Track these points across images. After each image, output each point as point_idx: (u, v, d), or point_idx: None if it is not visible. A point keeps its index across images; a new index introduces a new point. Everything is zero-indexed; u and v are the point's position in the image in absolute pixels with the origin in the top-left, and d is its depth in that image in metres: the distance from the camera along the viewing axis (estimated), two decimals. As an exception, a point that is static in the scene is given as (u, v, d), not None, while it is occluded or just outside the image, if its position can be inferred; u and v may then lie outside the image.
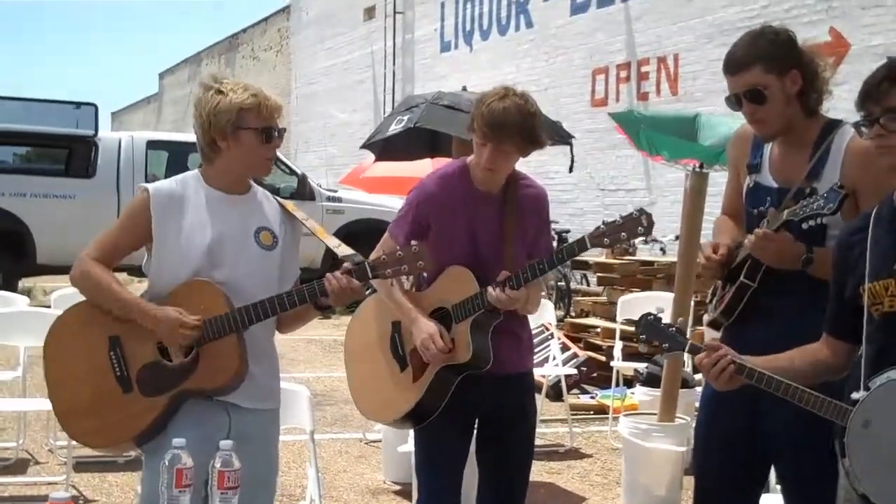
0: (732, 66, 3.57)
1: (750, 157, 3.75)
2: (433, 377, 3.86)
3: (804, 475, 3.53)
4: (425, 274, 3.56)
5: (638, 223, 3.68)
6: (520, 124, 3.78)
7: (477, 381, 3.87)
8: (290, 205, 3.68)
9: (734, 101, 3.60)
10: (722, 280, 3.73)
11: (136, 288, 3.58)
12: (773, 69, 3.51)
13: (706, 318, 3.91)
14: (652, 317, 3.35)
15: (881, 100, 2.78)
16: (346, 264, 3.41)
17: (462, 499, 4.12)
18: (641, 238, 3.80)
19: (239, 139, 3.41)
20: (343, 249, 3.57)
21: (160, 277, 3.44)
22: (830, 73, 3.63)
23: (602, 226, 3.74)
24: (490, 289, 3.76)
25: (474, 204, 3.95)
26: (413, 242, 3.50)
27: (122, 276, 3.48)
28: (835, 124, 3.60)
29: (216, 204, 3.48)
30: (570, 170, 10.11)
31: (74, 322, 3.52)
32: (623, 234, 3.70)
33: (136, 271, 3.56)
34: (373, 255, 3.61)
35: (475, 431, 4.10)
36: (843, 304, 2.99)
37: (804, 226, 3.39)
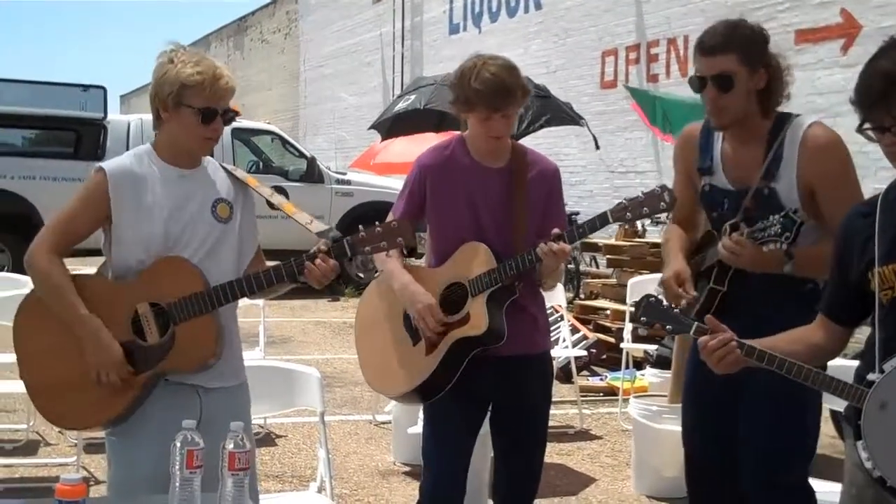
0: (708, 48, 3.58)
1: (700, 160, 3.76)
2: (447, 350, 3.84)
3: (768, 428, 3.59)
4: (405, 250, 3.52)
5: (660, 199, 3.68)
6: (515, 82, 3.82)
7: (490, 362, 3.86)
8: (252, 180, 3.58)
9: (698, 83, 3.61)
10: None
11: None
12: (747, 62, 3.54)
13: None
14: (653, 298, 3.25)
15: (891, 108, 2.70)
16: (321, 245, 3.35)
17: (475, 478, 4.12)
18: (665, 214, 3.78)
19: (179, 114, 3.33)
20: (316, 226, 3.49)
21: (119, 258, 3.36)
22: (791, 79, 3.65)
23: (624, 201, 3.73)
24: (543, 243, 3.73)
25: (476, 178, 3.93)
26: (393, 218, 3.45)
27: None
28: (785, 118, 3.60)
29: (171, 180, 3.40)
30: (597, 146, 10.11)
31: None
32: (645, 209, 3.70)
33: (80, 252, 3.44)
34: None
35: (489, 413, 4.07)
36: (846, 288, 2.96)
37: (765, 249, 3.38)
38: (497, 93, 3.77)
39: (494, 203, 3.92)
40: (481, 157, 3.95)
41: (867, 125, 2.76)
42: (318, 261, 3.32)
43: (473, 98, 3.80)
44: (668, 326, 3.21)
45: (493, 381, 3.92)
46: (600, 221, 3.75)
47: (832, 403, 3.68)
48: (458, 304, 3.87)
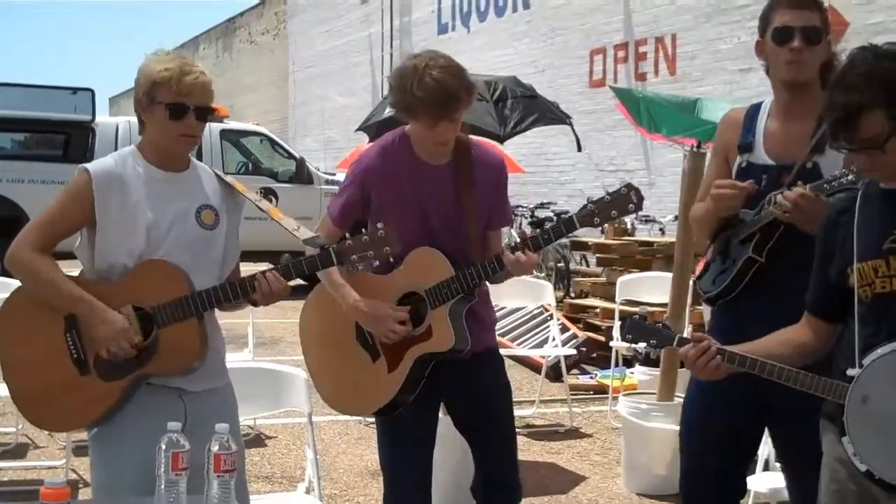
0: (798, 1, 3.59)
1: (742, 137, 3.71)
2: (412, 366, 3.74)
3: (804, 442, 3.55)
4: (392, 259, 3.48)
5: (628, 200, 3.58)
6: (460, 85, 3.62)
7: (441, 364, 3.78)
8: (239, 185, 3.54)
9: (784, 35, 3.56)
10: (716, 254, 3.72)
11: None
12: (825, 27, 3.58)
13: (701, 293, 3.88)
14: (637, 316, 3.31)
15: (853, 135, 2.74)
16: (284, 258, 3.33)
17: (458, 489, 4.09)
18: (632, 215, 3.71)
19: (153, 112, 3.32)
20: (303, 232, 3.44)
21: (101, 260, 3.32)
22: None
23: (591, 204, 3.64)
24: (508, 252, 3.62)
25: (421, 178, 3.78)
26: (379, 225, 3.30)
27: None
28: None
29: (155, 183, 3.36)
30: (579, 148, 10.14)
31: (28, 301, 3.37)
32: (614, 211, 3.60)
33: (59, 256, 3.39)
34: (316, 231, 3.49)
35: (453, 417, 4.02)
36: (828, 284, 2.98)
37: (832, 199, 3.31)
38: (442, 101, 3.57)
39: (443, 204, 3.78)
40: (426, 155, 3.79)
41: (836, 145, 2.83)
42: (269, 275, 3.30)
43: (416, 106, 3.60)
44: (652, 341, 3.22)
45: (447, 381, 3.84)
46: (566, 227, 3.64)
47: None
48: (417, 314, 3.74)
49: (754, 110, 3.77)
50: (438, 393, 3.91)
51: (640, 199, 3.60)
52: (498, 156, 3.97)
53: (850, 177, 3.24)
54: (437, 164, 3.80)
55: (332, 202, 3.92)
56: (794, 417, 3.50)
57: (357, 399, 3.94)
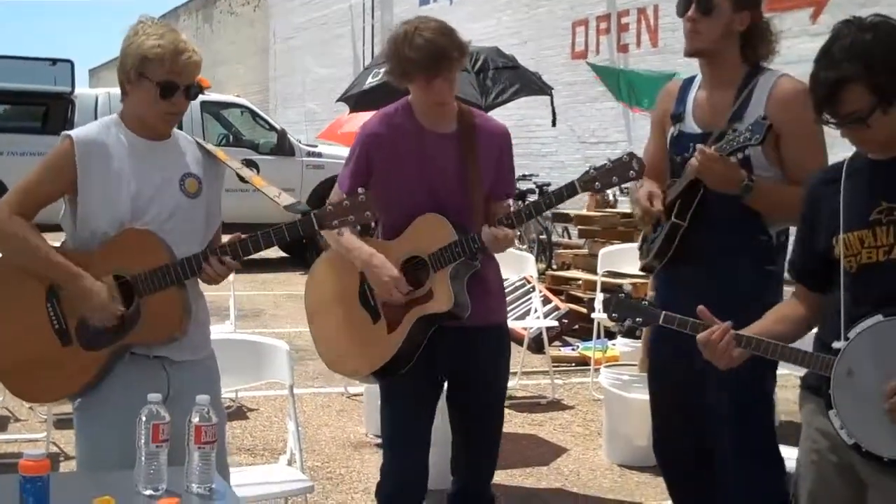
0: None
1: (674, 107, 3.81)
2: (412, 327, 3.78)
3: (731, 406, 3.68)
4: (374, 223, 3.50)
5: (629, 167, 3.63)
6: (450, 44, 3.70)
7: (447, 333, 3.81)
8: (220, 153, 3.54)
9: (682, 7, 3.69)
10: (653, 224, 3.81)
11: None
12: (734, 3, 3.62)
13: (640, 263, 3.96)
14: (622, 294, 3.29)
15: (835, 110, 2.74)
16: (232, 239, 3.32)
17: (440, 455, 4.11)
18: (633, 183, 3.75)
19: (140, 87, 3.29)
20: (284, 199, 3.43)
21: (84, 228, 3.29)
22: (777, 45, 3.74)
23: (593, 170, 3.68)
24: (486, 227, 3.68)
25: (426, 146, 3.84)
26: (360, 190, 3.34)
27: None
28: (761, 69, 3.69)
29: (139, 151, 3.34)
30: (553, 123, 10.15)
31: (8, 272, 3.35)
32: (615, 178, 3.65)
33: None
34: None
35: (445, 389, 4.04)
36: (815, 255, 2.98)
37: (732, 159, 3.47)
38: (433, 58, 3.65)
39: (447, 171, 3.83)
40: (429, 123, 3.85)
41: (822, 120, 2.83)
42: (213, 259, 3.28)
43: (410, 67, 3.69)
44: (637, 319, 3.21)
45: (449, 352, 3.87)
46: (568, 191, 3.69)
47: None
48: (419, 278, 3.79)
49: (689, 82, 3.88)
50: (444, 364, 3.92)
51: (642, 167, 3.65)
52: (501, 125, 4.03)
53: (745, 135, 3.38)
54: (441, 132, 3.85)
55: (342, 173, 3.97)
56: (723, 385, 3.58)
57: (356, 360, 3.97)
